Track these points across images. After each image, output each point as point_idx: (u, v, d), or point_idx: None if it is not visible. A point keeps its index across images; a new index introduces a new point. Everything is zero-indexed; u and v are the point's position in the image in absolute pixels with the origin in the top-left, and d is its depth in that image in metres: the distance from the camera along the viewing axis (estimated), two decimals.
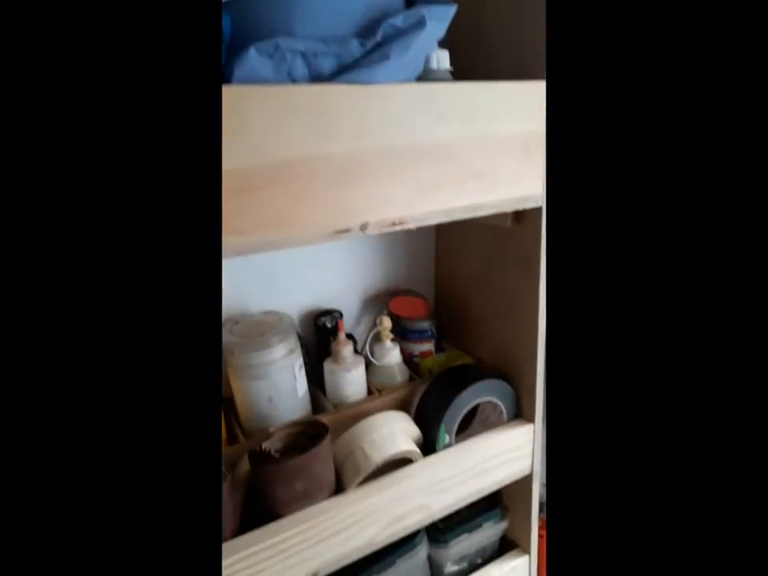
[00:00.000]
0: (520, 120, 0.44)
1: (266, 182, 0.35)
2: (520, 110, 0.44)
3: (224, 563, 0.42)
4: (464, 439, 0.56)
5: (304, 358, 0.57)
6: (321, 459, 0.47)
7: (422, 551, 0.62)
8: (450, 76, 0.46)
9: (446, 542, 0.64)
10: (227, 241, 0.34)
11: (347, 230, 0.38)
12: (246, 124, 0.33)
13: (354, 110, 0.36)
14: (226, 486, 0.43)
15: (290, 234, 0.36)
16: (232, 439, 0.54)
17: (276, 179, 0.35)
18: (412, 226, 0.41)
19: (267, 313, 0.58)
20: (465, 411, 0.56)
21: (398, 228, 0.40)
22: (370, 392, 0.62)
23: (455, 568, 0.68)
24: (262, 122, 0.34)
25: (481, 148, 0.42)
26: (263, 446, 0.46)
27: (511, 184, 0.45)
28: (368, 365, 0.62)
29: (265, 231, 0.35)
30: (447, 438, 0.55)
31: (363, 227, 0.39)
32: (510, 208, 0.46)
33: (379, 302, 0.69)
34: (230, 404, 0.56)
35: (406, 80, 0.39)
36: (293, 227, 0.36)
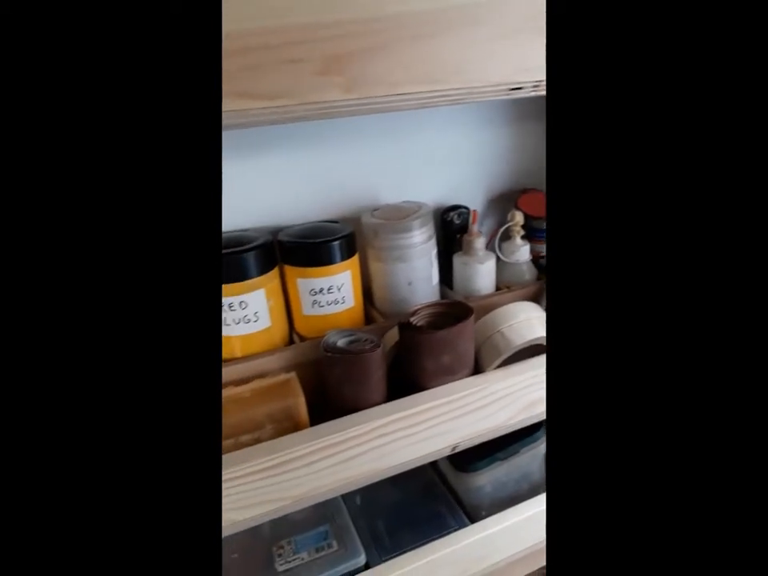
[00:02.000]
0: None
1: (437, 30, 0.33)
2: None
3: (374, 426, 0.45)
4: None
5: None
6: (466, 336, 0.48)
7: (542, 444, 0.64)
8: None
9: None
10: (405, 90, 0.34)
11: (520, 88, 0.37)
12: None
13: None
14: (379, 354, 0.45)
15: (466, 87, 0.35)
16: (369, 322, 0.57)
17: (448, 26, 0.34)
18: None
19: (405, 201, 0.58)
20: None
21: None
22: (497, 289, 0.61)
23: None
24: None
25: None
26: (411, 320, 0.48)
27: None
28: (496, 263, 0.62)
29: (440, 83, 0.35)
30: None
31: (536, 86, 0.37)
32: None
33: (505, 200, 0.68)
34: (366, 291, 0.58)
35: None
36: (468, 80, 0.35)
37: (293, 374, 0.47)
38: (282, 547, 0.57)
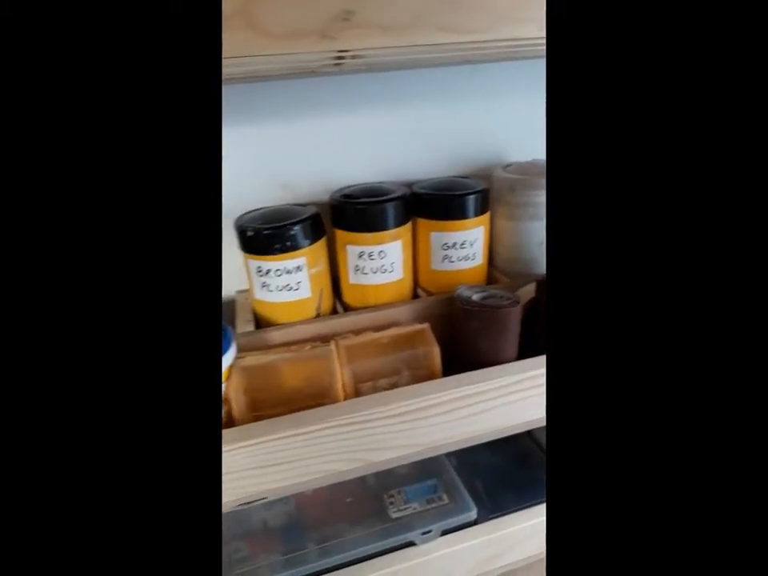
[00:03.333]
0: None
1: None
2: None
3: (510, 381, 0.45)
4: None
5: None
6: None
7: None
8: None
9: None
10: None
11: None
12: None
13: None
14: (518, 310, 0.45)
15: None
16: (490, 282, 0.56)
17: None
18: None
19: (534, 159, 0.57)
20: None
21: None
22: None
23: None
24: None
25: None
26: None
27: None
28: None
29: None
30: None
31: None
32: None
33: None
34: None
35: None
36: None
37: (426, 325, 0.47)
38: (392, 496, 0.59)
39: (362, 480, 0.62)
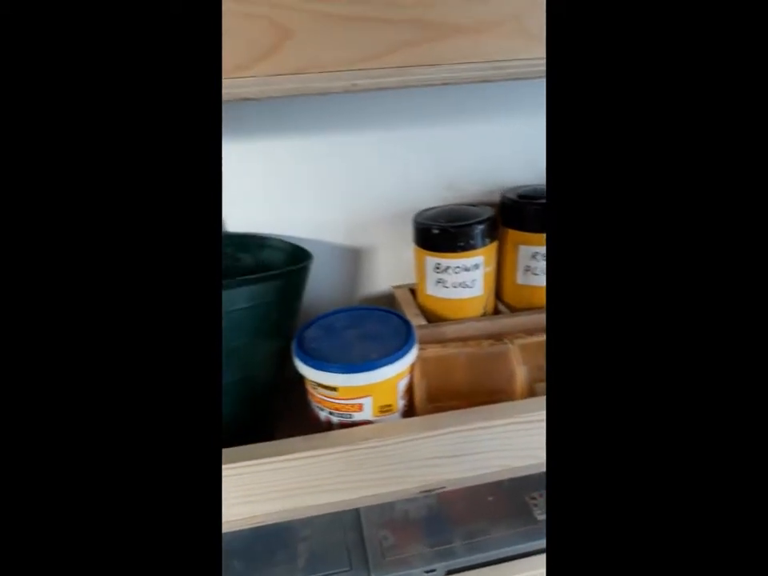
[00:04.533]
0: None
1: None
2: None
3: None
4: None
5: None
6: None
7: None
8: None
9: None
10: None
11: None
12: None
13: None
14: None
15: None
16: None
17: None
18: None
19: None
20: None
21: None
22: None
23: None
24: None
25: None
26: None
27: None
28: None
29: None
30: None
31: None
32: None
33: None
34: None
35: None
36: None
37: None
38: (534, 498, 0.59)
39: (498, 480, 0.62)
